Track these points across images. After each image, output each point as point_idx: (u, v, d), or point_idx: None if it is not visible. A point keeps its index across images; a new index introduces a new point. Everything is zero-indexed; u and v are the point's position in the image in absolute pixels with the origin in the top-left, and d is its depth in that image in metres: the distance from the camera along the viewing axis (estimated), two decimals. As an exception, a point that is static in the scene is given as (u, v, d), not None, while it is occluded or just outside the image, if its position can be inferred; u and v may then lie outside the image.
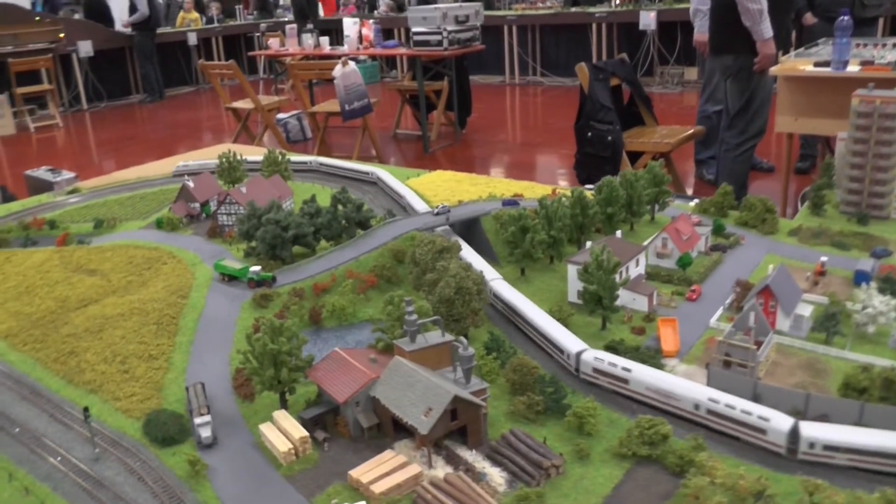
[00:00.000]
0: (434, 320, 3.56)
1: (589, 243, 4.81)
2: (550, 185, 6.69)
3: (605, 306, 4.28)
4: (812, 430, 3.14)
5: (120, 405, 3.80)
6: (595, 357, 3.78)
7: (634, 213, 5.66)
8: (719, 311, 4.53)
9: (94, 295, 5.00)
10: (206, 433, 3.38)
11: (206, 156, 8.41)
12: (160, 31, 24.01)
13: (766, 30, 8.30)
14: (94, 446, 3.46)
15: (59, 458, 3.47)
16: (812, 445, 3.12)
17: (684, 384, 3.55)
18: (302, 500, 3.02)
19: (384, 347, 3.71)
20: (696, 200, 6.29)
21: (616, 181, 5.51)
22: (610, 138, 10.68)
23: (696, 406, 3.47)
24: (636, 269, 4.88)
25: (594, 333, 4.29)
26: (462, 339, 3.35)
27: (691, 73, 19.44)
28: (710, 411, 3.43)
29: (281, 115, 15.32)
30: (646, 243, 5.23)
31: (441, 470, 3.13)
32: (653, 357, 4.01)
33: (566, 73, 20.74)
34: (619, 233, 5.09)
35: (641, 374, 3.64)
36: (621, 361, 3.72)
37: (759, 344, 3.92)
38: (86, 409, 3.47)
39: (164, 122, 20.49)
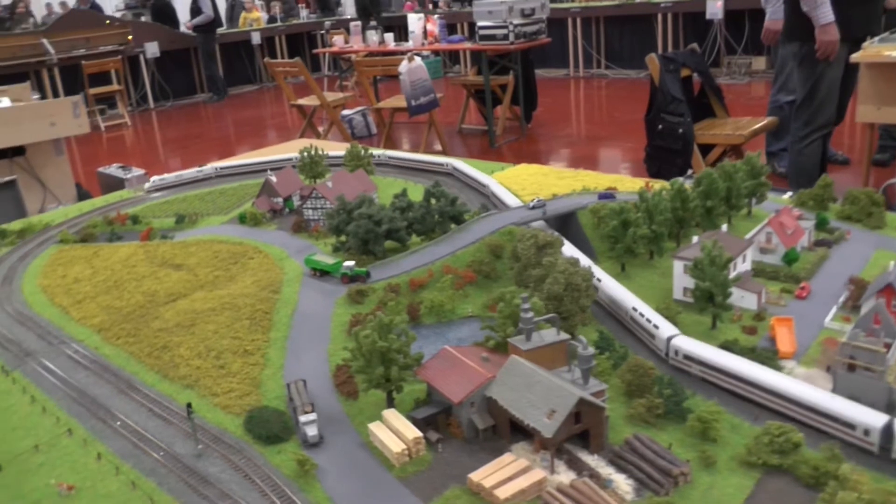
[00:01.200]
0: (549, 318, 3.37)
1: (695, 238, 4.57)
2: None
3: (718, 304, 4.04)
4: (678, 341, 3.69)
5: (218, 401, 3.71)
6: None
7: (733, 206, 5.37)
8: (833, 310, 4.24)
9: (182, 289, 4.96)
10: (312, 432, 3.25)
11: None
12: (224, 31, 24.41)
13: (822, 15, 7.84)
14: (197, 442, 3.38)
15: (161, 454, 3.40)
16: (676, 353, 3.67)
17: (624, 294, 4.15)
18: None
19: (495, 346, 3.54)
20: (791, 193, 5.98)
21: (715, 173, 5.24)
22: (681, 130, 10.38)
23: (626, 312, 4.07)
24: (742, 265, 4.61)
25: (704, 332, 4.04)
26: (581, 337, 3.16)
27: (759, 63, 18.84)
28: (631, 318, 4.03)
29: (346, 112, 15.33)
30: (747, 237, 4.95)
31: (563, 475, 2.95)
32: (770, 358, 3.76)
33: (631, 66, 20.34)
34: (724, 227, 4.82)
35: (603, 284, 4.28)
36: (585, 261, 4.35)
37: (888, 346, 3.63)
38: (189, 405, 3.39)
39: (229, 121, 20.77)
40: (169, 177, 7.64)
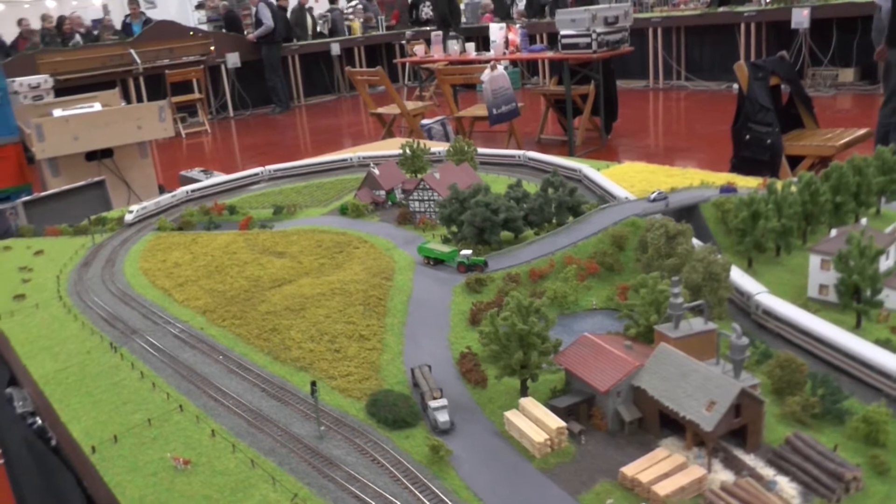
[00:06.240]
0: (697, 305, 3.14)
1: (833, 231, 4.26)
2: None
3: (866, 300, 3.73)
4: (761, 298, 3.80)
5: (336, 384, 3.58)
6: None
7: (862, 203, 5.02)
8: None
9: (287, 275, 4.88)
10: (443, 417, 3.08)
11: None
12: (304, 42, 24.77)
13: None
14: (320, 424, 3.24)
15: (279, 434, 3.27)
16: (757, 307, 3.80)
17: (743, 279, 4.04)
18: (566, 497, 2.64)
19: (635, 335, 3.31)
20: None
21: (845, 166, 4.92)
22: (769, 141, 10.00)
23: None
24: (886, 262, 4.28)
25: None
26: (735, 325, 2.91)
27: (846, 75, 18.10)
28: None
29: (425, 121, 15.30)
30: (888, 231, 4.60)
31: (721, 474, 2.70)
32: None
33: (711, 77, 19.86)
34: (864, 220, 4.49)
35: None
36: None
37: None
38: (313, 384, 3.26)
39: (306, 129, 21.05)
40: (149, 204, 6.85)
